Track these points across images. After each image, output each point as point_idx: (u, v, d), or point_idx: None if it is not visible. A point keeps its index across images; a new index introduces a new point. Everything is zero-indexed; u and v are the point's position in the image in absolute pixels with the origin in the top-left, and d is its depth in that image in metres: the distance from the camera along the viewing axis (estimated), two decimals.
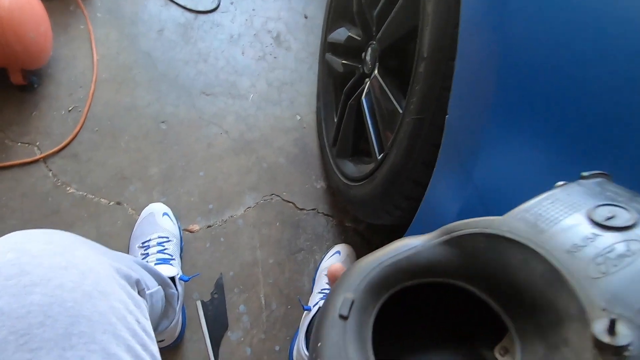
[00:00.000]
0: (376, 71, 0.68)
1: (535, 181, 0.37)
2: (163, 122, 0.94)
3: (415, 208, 0.56)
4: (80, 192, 0.83)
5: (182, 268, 0.81)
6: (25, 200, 0.80)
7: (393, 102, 0.60)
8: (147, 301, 0.41)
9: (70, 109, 0.89)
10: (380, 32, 0.65)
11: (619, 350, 0.13)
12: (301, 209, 0.96)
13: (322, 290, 0.81)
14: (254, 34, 1.11)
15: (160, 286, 0.53)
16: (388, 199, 0.59)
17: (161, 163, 0.90)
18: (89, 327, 0.29)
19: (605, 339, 0.14)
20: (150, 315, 0.44)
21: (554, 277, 0.19)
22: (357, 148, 0.84)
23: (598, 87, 0.32)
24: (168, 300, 0.59)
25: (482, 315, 0.25)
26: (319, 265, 0.89)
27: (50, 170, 0.84)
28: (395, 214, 0.60)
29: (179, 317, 0.72)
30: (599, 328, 0.14)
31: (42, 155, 0.84)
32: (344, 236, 0.96)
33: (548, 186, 0.30)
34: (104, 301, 0.31)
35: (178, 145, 0.93)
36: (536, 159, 0.36)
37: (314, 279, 0.88)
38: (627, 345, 0.13)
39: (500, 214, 0.36)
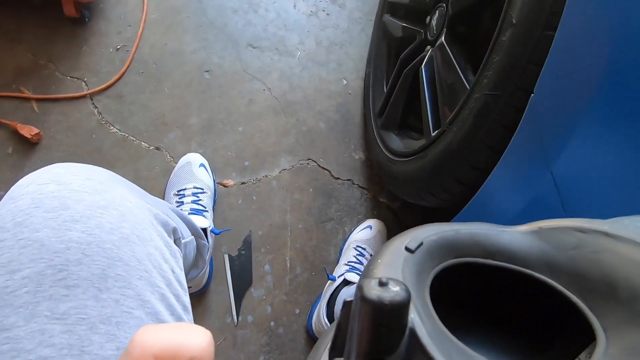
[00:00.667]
0: (442, 38, 0.61)
1: (619, 185, 0.32)
2: (207, 71, 0.92)
3: (466, 193, 0.52)
4: (122, 133, 0.84)
5: (213, 221, 0.81)
6: (71, 134, 0.82)
7: (459, 74, 0.54)
8: (181, 250, 0.41)
9: (118, 47, 0.89)
10: None
11: None
12: (336, 178, 0.93)
13: (348, 262, 0.80)
14: None
15: (193, 236, 0.53)
16: (437, 180, 0.54)
17: (202, 113, 0.89)
18: (126, 271, 0.29)
19: None
20: (183, 264, 0.44)
21: None
22: (406, 122, 0.79)
23: None
24: (199, 250, 0.59)
25: (550, 319, 0.23)
26: (348, 237, 0.87)
27: (96, 107, 0.84)
28: (442, 196, 0.56)
29: (207, 267, 0.74)
30: None
31: (89, 91, 0.84)
32: (376, 211, 0.93)
33: (633, 194, 0.26)
34: (142, 247, 0.30)
35: (220, 97, 0.91)
36: (628, 164, 0.31)
37: (341, 250, 0.87)
38: None
39: (577, 211, 0.31)
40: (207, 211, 0.76)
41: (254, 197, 0.87)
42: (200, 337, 0.18)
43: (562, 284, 0.21)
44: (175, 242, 0.38)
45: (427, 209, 0.87)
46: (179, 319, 0.32)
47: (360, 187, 0.94)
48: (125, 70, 0.87)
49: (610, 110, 0.30)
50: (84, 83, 0.85)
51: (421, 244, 0.22)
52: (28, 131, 0.77)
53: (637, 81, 0.29)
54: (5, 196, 0.30)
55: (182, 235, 0.42)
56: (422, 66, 0.67)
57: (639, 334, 0.17)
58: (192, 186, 0.77)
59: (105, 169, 0.34)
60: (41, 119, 0.81)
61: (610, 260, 0.20)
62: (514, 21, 0.40)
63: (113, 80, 0.86)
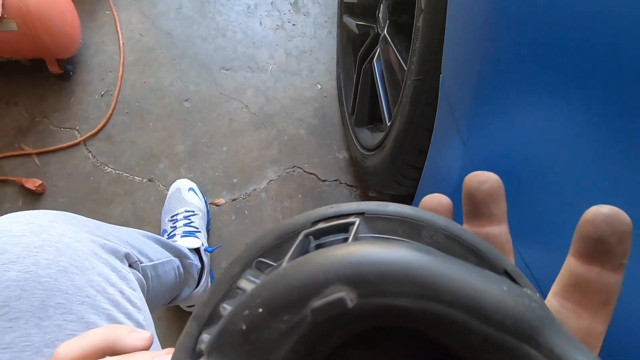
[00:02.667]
0: (385, 30, 0.63)
1: (531, 149, 0.32)
2: (186, 100, 0.97)
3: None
4: (117, 171, 0.90)
5: (209, 239, 0.86)
6: (71, 179, 0.89)
7: (401, 62, 0.56)
8: (146, 273, 0.44)
9: (102, 93, 0.95)
10: None
11: None
12: (323, 180, 0.95)
13: None
14: (271, 2, 1.08)
15: (175, 257, 0.57)
16: (396, 169, 0.56)
17: (186, 140, 0.94)
18: (65, 299, 0.32)
19: None
20: (155, 284, 0.48)
21: None
22: (375, 116, 0.80)
23: (613, 32, 0.26)
24: (186, 269, 0.63)
25: None
26: None
27: (90, 151, 0.91)
28: (406, 183, 0.58)
29: (207, 284, 0.78)
30: None
31: (82, 138, 0.91)
32: None
33: (544, 154, 0.27)
34: (81, 275, 0.34)
35: (201, 122, 0.96)
36: (534, 123, 0.32)
37: None
38: None
39: None
40: (199, 232, 0.80)
41: (246, 212, 0.91)
42: (99, 331, 0.21)
43: None
44: (131, 265, 0.42)
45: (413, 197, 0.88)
46: None
47: (348, 185, 0.95)
48: (112, 113, 0.94)
49: (499, 79, 0.31)
50: (76, 131, 0.92)
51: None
52: (32, 184, 0.85)
53: (519, 49, 0.30)
54: None
55: (147, 258, 0.46)
56: (374, 60, 0.68)
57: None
58: (183, 210, 0.81)
59: (50, 211, 0.38)
60: (42, 170, 0.88)
61: None
62: (422, 7, 0.42)
63: (102, 124, 0.92)
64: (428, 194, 0.43)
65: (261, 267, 0.15)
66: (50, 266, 0.32)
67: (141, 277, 0.42)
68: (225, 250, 0.87)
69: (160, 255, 0.50)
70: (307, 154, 0.97)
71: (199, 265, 0.72)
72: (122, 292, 0.36)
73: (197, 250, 0.75)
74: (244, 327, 0.11)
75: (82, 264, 0.34)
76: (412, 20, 0.61)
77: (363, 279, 0.11)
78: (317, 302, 0.11)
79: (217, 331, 0.12)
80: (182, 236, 0.77)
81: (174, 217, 0.81)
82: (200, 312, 0.14)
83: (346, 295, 0.10)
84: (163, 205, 0.87)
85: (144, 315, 0.37)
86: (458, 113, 0.35)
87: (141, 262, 0.43)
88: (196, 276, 0.70)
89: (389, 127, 0.58)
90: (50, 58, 0.88)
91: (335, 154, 0.98)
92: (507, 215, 0.17)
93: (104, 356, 0.21)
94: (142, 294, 0.39)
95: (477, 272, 0.11)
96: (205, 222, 0.85)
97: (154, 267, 0.47)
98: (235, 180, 0.93)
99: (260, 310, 0.11)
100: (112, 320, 0.34)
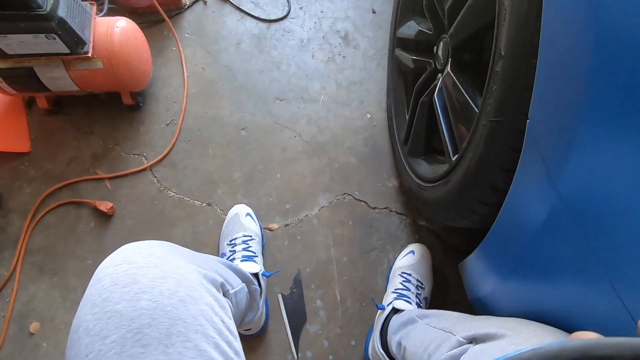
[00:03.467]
0: (449, 67, 0.65)
1: (630, 193, 0.32)
2: (243, 129, 1.03)
3: (495, 213, 0.53)
4: (179, 196, 0.96)
5: (264, 264, 0.88)
6: (138, 203, 0.95)
7: (467, 100, 0.57)
8: (231, 300, 0.47)
9: (168, 122, 1.03)
10: (452, 27, 0.62)
11: None
12: (373, 208, 0.96)
13: (395, 290, 0.81)
14: (323, 36, 1.14)
15: (244, 283, 0.59)
16: (464, 204, 0.56)
17: (243, 167, 0.99)
18: (184, 327, 0.35)
19: None
20: (235, 311, 0.50)
21: None
22: (430, 146, 0.82)
23: None
24: (251, 295, 0.65)
25: None
26: (393, 264, 0.89)
27: (155, 177, 0.98)
28: (473, 218, 0.58)
29: (262, 309, 0.80)
30: None
31: (149, 164, 0.98)
32: (417, 235, 0.94)
33: None
34: (195, 305, 0.37)
35: (257, 150, 1.01)
36: (633, 168, 0.32)
37: (387, 278, 0.89)
38: None
39: (590, 227, 0.33)
40: (257, 256, 0.83)
41: (299, 237, 0.93)
42: None
43: None
44: (224, 294, 0.44)
45: (470, 228, 0.87)
46: None
47: (398, 213, 0.96)
48: (175, 141, 1.00)
49: (599, 126, 0.32)
50: (144, 158, 0.99)
51: None
52: (105, 206, 0.92)
53: (620, 97, 0.31)
54: (92, 278, 0.38)
55: (231, 286, 0.49)
56: (435, 94, 0.70)
57: None
58: (241, 235, 0.85)
59: (161, 242, 0.42)
60: (113, 194, 0.95)
61: None
62: (502, 53, 0.44)
63: (166, 152, 0.99)
64: (508, 231, 0.43)
65: None
66: (172, 296, 0.35)
67: (232, 305, 0.45)
68: (279, 275, 0.89)
69: (236, 282, 0.53)
70: (358, 181, 0.99)
71: (260, 290, 0.74)
72: (223, 321, 0.38)
73: (255, 275, 0.77)
74: None
75: (194, 295, 0.37)
76: (476, 59, 0.63)
77: None
78: None
79: None
80: (241, 260, 0.80)
81: (233, 242, 0.85)
82: None
83: None
84: (221, 229, 0.91)
85: (238, 343, 0.39)
86: (549, 158, 0.35)
87: (229, 290, 0.46)
88: (259, 301, 0.72)
89: (455, 162, 0.59)
90: (126, 91, 0.97)
91: (385, 182, 0.99)
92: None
93: None
94: (234, 322, 0.42)
95: None
96: (261, 246, 0.88)
97: (235, 294, 0.50)
98: (288, 206, 0.96)
99: None
100: (218, 348, 0.36)
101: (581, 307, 0.37)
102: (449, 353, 0.44)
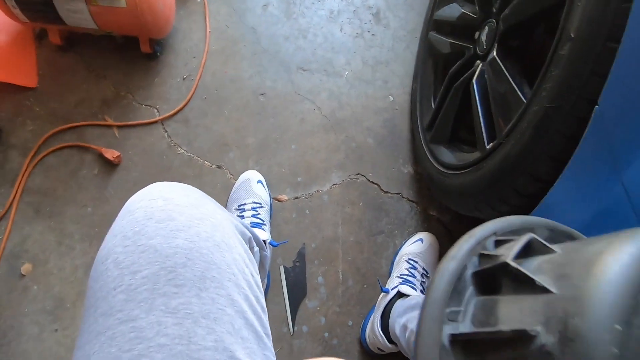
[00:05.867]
0: (494, 52, 0.62)
1: None
2: (262, 94, 0.99)
3: (526, 205, 0.52)
4: (189, 154, 0.92)
5: (270, 234, 0.86)
6: (146, 156, 0.91)
7: (514, 88, 0.55)
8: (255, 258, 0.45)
9: (185, 77, 0.98)
10: (508, 8, 0.59)
11: None
12: (385, 192, 0.95)
13: (401, 275, 0.80)
14: (354, 10, 1.09)
15: (258, 247, 0.57)
16: (495, 192, 0.55)
17: (257, 133, 0.96)
18: (219, 273, 0.33)
19: None
20: None
21: None
22: (456, 135, 0.80)
23: None
24: (261, 261, 0.64)
25: None
26: (399, 250, 0.88)
27: (166, 131, 0.94)
28: (500, 208, 0.56)
29: (265, 278, 0.78)
30: None
31: (161, 117, 0.94)
32: (426, 224, 0.93)
33: None
34: (229, 253, 0.35)
35: (274, 118, 0.98)
36: None
37: (392, 263, 0.88)
38: None
39: None
40: (265, 224, 0.81)
41: (307, 212, 0.91)
42: None
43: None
44: (251, 250, 0.42)
45: (479, 222, 0.86)
46: (259, 318, 0.36)
47: (409, 200, 0.95)
48: (191, 97, 0.96)
49: None
50: (156, 110, 0.95)
51: None
52: (111, 154, 0.88)
53: None
54: (122, 210, 0.36)
55: (254, 244, 0.47)
56: (474, 80, 0.68)
57: None
58: (251, 201, 0.82)
59: (192, 187, 0.39)
60: (121, 143, 0.92)
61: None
62: (572, 35, 0.41)
63: (180, 107, 0.95)
64: (553, 219, 0.41)
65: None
66: (209, 239, 0.33)
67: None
68: (283, 247, 0.88)
69: (256, 244, 0.51)
70: (373, 163, 0.97)
71: (268, 257, 0.72)
72: (252, 275, 0.36)
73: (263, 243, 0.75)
74: None
75: (229, 242, 0.35)
76: (524, 45, 0.60)
77: None
78: None
79: None
80: (250, 226, 0.78)
81: (242, 207, 0.82)
82: None
83: None
84: (229, 194, 0.88)
85: (264, 301, 0.38)
86: (618, 148, 0.34)
87: (253, 247, 0.44)
88: (267, 268, 0.70)
89: (490, 149, 0.58)
90: (145, 37, 0.92)
91: (400, 168, 0.97)
92: None
93: None
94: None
95: None
96: (269, 216, 0.86)
97: (255, 253, 0.47)
98: (299, 179, 0.94)
99: None
100: (247, 301, 0.34)
101: None
102: None
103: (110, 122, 0.93)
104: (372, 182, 0.95)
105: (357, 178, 0.95)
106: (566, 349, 0.16)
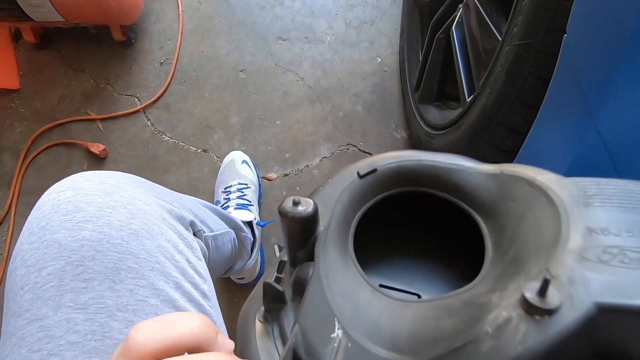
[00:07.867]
0: None
1: None
2: (242, 70, 0.95)
3: (507, 161, 0.46)
4: (173, 140, 0.91)
5: (260, 214, 0.85)
6: (131, 146, 0.91)
7: (491, 29, 0.48)
8: (207, 243, 0.43)
9: (162, 61, 0.96)
10: None
11: (545, 312, 0.14)
12: None
13: None
14: None
15: (232, 229, 0.55)
16: (475, 150, 0.50)
17: (241, 112, 0.93)
18: (137, 263, 0.31)
19: (535, 301, 0.14)
20: (215, 254, 0.46)
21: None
22: (444, 91, 0.73)
23: None
24: (241, 242, 0.62)
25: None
26: None
27: (149, 119, 0.92)
28: None
29: (257, 258, 0.77)
30: (530, 288, 0.15)
31: (142, 106, 0.92)
32: None
33: None
34: (151, 240, 0.32)
35: (256, 94, 0.94)
36: None
37: None
38: (554, 309, 0.14)
39: (631, 167, 0.27)
40: (252, 205, 0.79)
41: (298, 188, 0.89)
42: (189, 324, 0.18)
43: (490, 231, 0.21)
44: (195, 234, 0.40)
45: None
46: (197, 305, 0.34)
47: None
48: (170, 82, 0.94)
49: None
50: (136, 99, 0.94)
51: (374, 170, 0.24)
52: (97, 148, 0.88)
53: None
54: (35, 205, 0.34)
55: (208, 228, 0.44)
56: (453, 27, 0.61)
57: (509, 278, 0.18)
58: (236, 182, 0.81)
59: (121, 173, 0.37)
60: (106, 135, 0.91)
61: (527, 223, 0.19)
62: None
63: (160, 93, 0.93)
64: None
65: None
66: (122, 228, 0.31)
67: (204, 246, 0.41)
68: (275, 226, 0.86)
69: (219, 226, 0.49)
70: (363, 131, 0.92)
71: (252, 238, 0.71)
72: (188, 261, 0.34)
73: (249, 224, 0.74)
74: None
75: (152, 229, 0.33)
76: None
77: None
78: None
79: None
80: (235, 208, 0.76)
81: (227, 189, 0.81)
82: None
83: None
84: (216, 176, 0.86)
85: (209, 286, 0.36)
86: (588, 85, 0.28)
87: (204, 232, 0.42)
88: (249, 249, 0.69)
89: (469, 103, 0.52)
90: (115, 24, 0.89)
91: (393, 133, 0.92)
92: None
93: (183, 353, 0.18)
94: (205, 264, 0.38)
95: None
96: (257, 195, 0.84)
97: (214, 237, 0.46)
98: (287, 155, 0.91)
99: None
100: (180, 289, 0.32)
101: None
102: None
103: (93, 115, 0.92)
104: (364, 152, 0.91)
105: (348, 149, 0.91)
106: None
